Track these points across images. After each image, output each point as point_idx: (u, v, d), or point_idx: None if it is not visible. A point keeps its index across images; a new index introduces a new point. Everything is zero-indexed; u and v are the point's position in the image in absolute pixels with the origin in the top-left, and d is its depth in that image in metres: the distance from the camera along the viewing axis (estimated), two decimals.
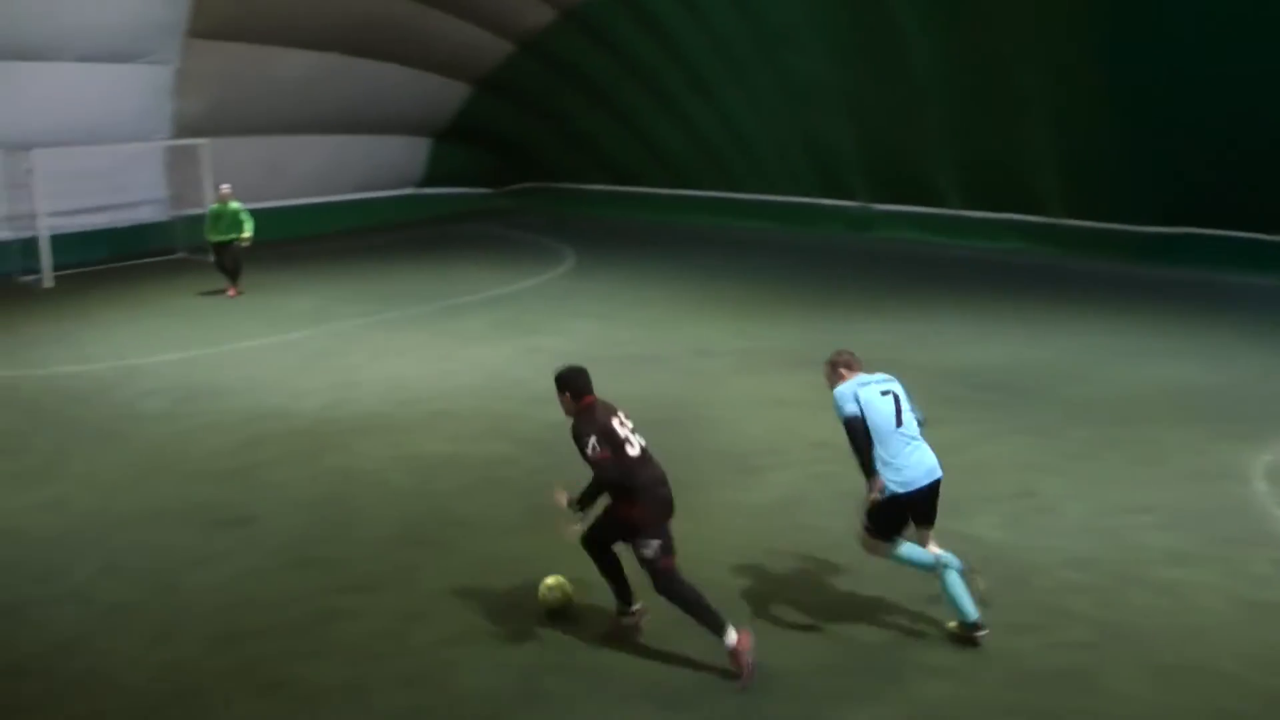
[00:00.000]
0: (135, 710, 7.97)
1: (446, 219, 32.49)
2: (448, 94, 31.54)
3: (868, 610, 9.05)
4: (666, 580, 8.26)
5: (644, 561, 8.32)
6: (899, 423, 8.61)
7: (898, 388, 8.80)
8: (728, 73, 28.08)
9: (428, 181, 33.74)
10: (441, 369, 16.74)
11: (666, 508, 8.41)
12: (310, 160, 30.02)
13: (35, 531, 11.14)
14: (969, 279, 22.73)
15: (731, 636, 8.03)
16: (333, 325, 19.64)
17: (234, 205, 22.37)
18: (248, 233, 22.20)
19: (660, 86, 29.70)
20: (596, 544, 8.69)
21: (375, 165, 31.83)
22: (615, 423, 8.53)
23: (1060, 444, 12.97)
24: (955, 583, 8.44)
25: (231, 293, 22.29)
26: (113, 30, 24.39)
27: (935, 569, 8.51)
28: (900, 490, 8.46)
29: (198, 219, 26.03)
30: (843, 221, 28.57)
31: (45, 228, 23.75)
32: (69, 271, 24.27)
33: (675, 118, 30.31)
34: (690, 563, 9.82)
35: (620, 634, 8.72)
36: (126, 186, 26.15)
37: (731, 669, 8.04)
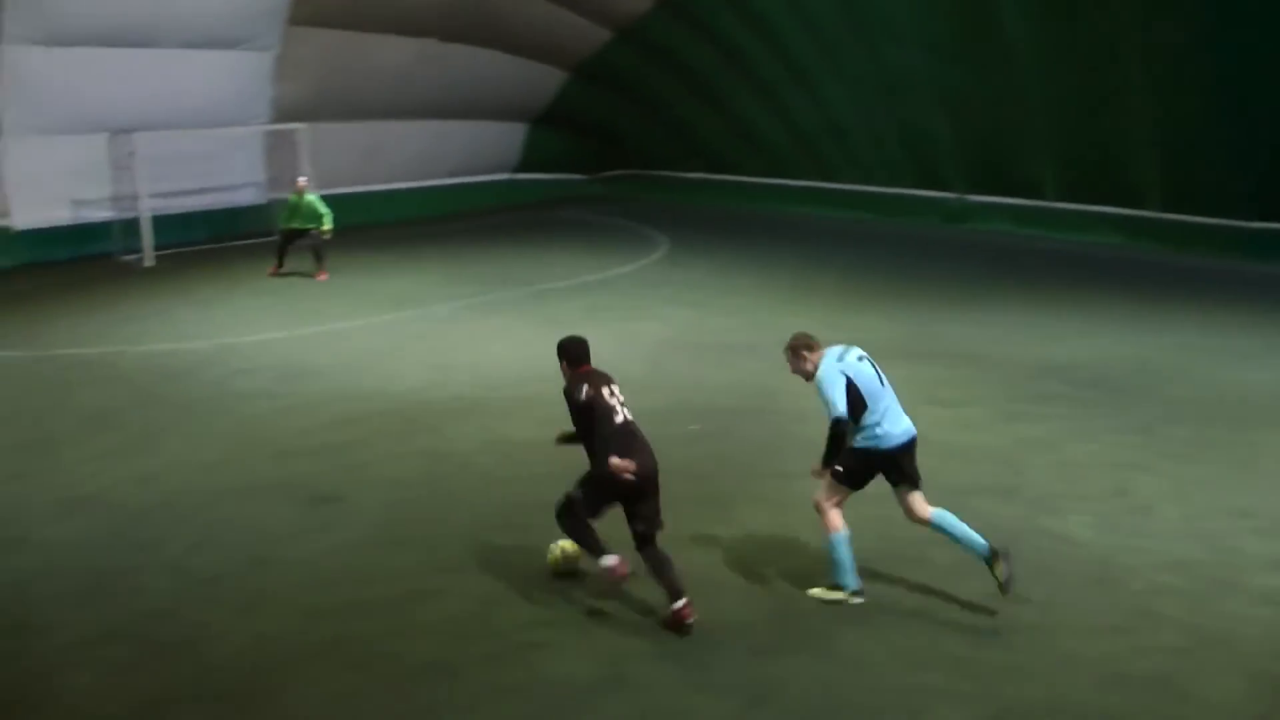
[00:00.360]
0: (224, 680, 8.06)
1: (541, 205, 32.59)
2: (545, 80, 31.62)
3: (947, 608, 8.91)
4: (569, 507, 8.88)
5: (570, 494, 8.88)
6: (882, 383, 9.01)
7: (863, 353, 9.25)
8: (825, 61, 27.87)
9: (523, 167, 33.86)
10: (533, 354, 16.71)
11: (640, 473, 8.66)
12: (407, 145, 30.23)
13: (131, 503, 11.32)
14: (1064, 273, 22.38)
15: (608, 561, 8.60)
16: (426, 308, 19.76)
17: (310, 197, 22.70)
18: (328, 225, 22.51)
19: (758, 75, 29.54)
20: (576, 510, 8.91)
21: (471, 151, 31.99)
22: (605, 391, 8.91)
23: (1156, 444, 12.68)
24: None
25: (272, 272, 22.78)
26: (216, 18, 24.76)
27: (982, 551, 8.75)
28: (882, 446, 8.81)
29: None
30: (938, 213, 28.27)
31: (146, 209, 24.14)
32: (168, 251, 24.66)
33: (772, 106, 30.14)
34: (773, 552, 9.83)
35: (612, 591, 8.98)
36: (226, 170, 26.48)
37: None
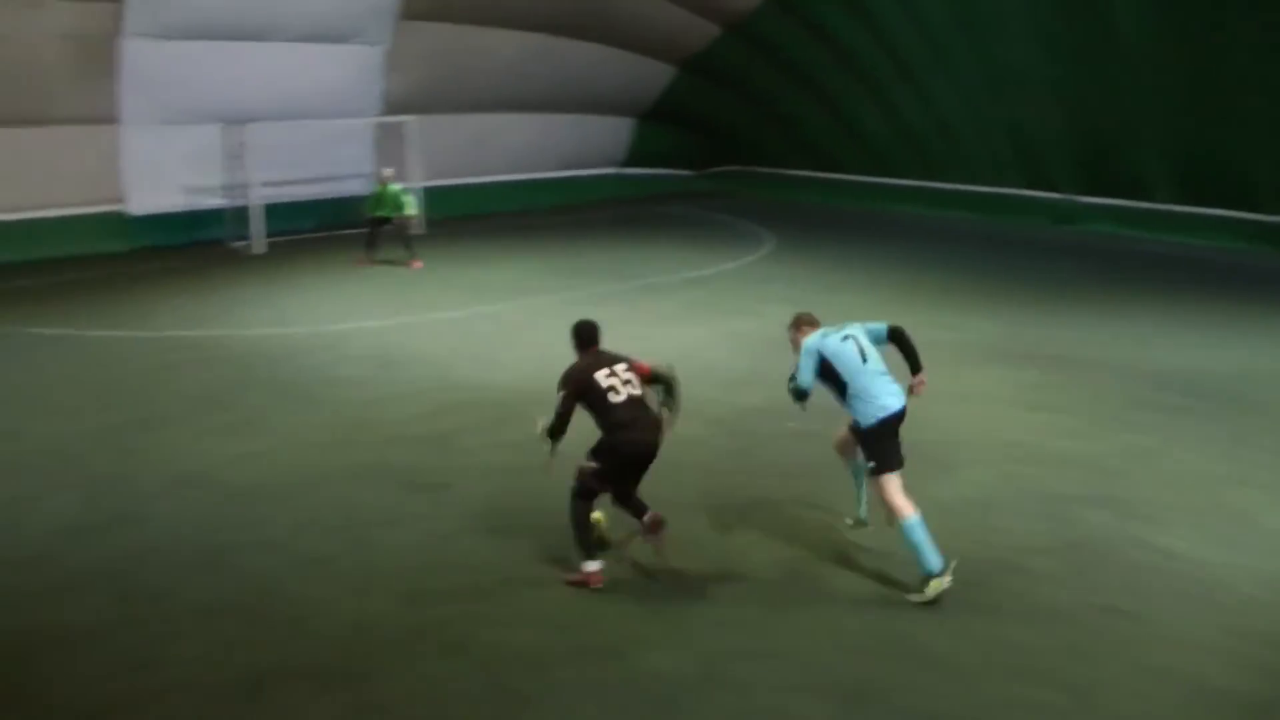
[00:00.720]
0: (323, 658, 8.18)
1: (647, 199, 32.64)
2: (653, 75, 31.65)
3: (1048, 617, 8.78)
4: (578, 489, 9.33)
5: (579, 469, 9.31)
6: (864, 360, 9.44)
7: (856, 332, 9.68)
8: (933, 58, 27.60)
9: (630, 162, 33.94)
10: (635, 348, 16.52)
11: (628, 449, 9.31)
12: (514, 138, 30.46)
13: (238, 482, 11.52)
14: (1175, 278, 21.94)
15: (590, 567, 9.09)
16: (530, 300, 19.87)
17: (394, 188, 23.19)
18: (411, 211, 23.22)
19: (866, 71, 29.35)
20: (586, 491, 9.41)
21: (578, 144, 32.14)
22: (603, 372, 9.48)
23: (1260, 456, 12.35)
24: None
25: (361, 263, 23.10)
26: (329, 12, 25.14)
27: (933, 571, 8.99)
28: (882, 414, 9.29)
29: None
30: (1045, 213, 27.88)
31: (257, 197, 24.53)
32: (278, 239, 25.04)
33: (879, 103, 29.93)
34: (875, 555, 9.76)
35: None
36: (335, 160, 26.83)
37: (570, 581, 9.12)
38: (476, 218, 28.35)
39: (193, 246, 24.89)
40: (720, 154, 35.35)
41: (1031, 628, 8.59)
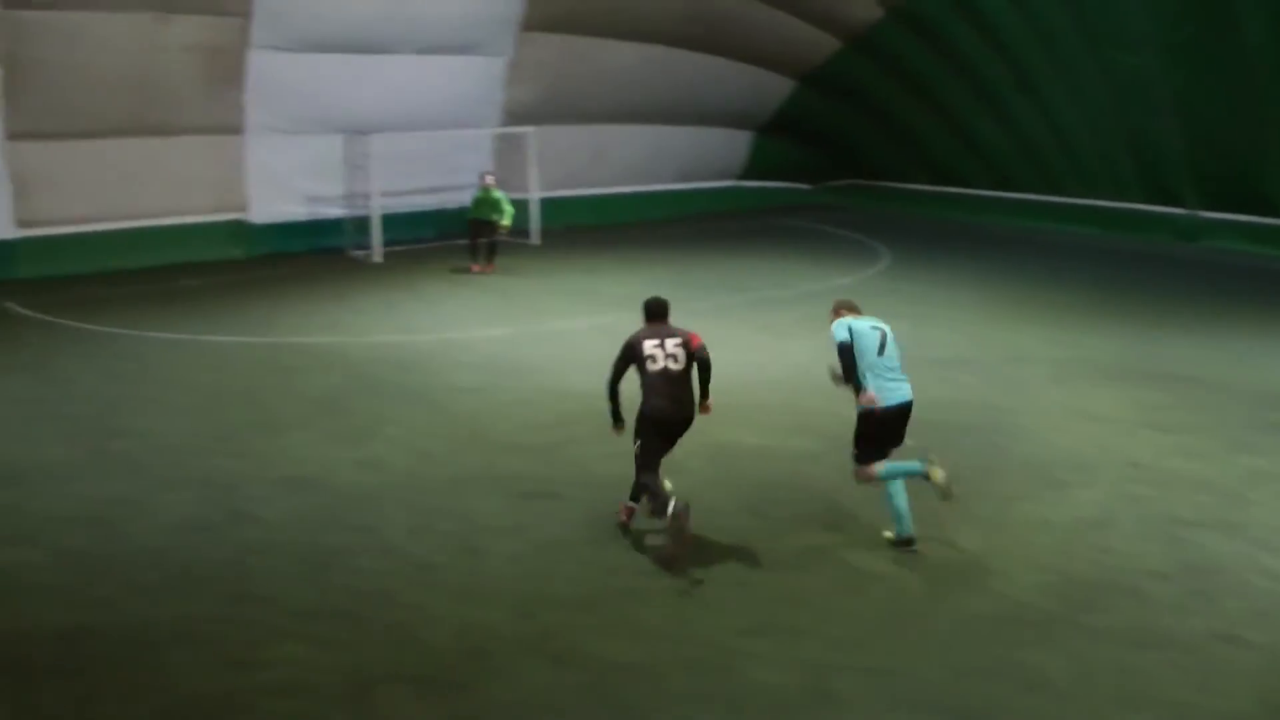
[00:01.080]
0: (429, 665, 8.17)
1: (764, 212, 32.44)
2: (772, 88, 31.49)
3: (1165, 643, 8.49)
4: (639, 468, 10.31)
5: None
6: (880, 352, 10.29)
7: (886, 329, 10.53)
8: (1053, 70, 27.05)
9: (747, 174, 33.79)
10: (750, 361, 16.66)
11: (650, 414, 10.30)
12: (632, 149, 30.44)
13: (352, 487, 11.59)
14: None
15: (672, 506, 9.61)
16: None
17: (496, 193, 23.55)
18: (506, 221, 23.45)
19: (985, 83, 28.89)
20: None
21: (696, 156, 32.06)
22: (650, 343, 10.37)
23: None
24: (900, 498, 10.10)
25: (476, 269, 23.39)
26: (452, 25, 25.37)
27: (918, 471, 10.00)
28: (877, 406, 10.12)
29: (520, 204, 26.88)
30: (1168, 229, 27.19)
31: (378, 207, 24.78)
32: (397, 248, 25.27)
33: (998, 116, 29.44)
34: (985, 574, 9.56)
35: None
36: (456, 170, 27.00)
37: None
38: (593, 228, 28.38)
39: (312, 255, 25.20)
40: (838, 167, 35.06)
41: (1147, 654, 8.33)
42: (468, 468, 12.20)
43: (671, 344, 10.36)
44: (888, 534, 10.21)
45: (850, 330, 10.40)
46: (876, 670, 8.06)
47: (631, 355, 10.44)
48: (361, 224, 25.17)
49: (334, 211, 25.70)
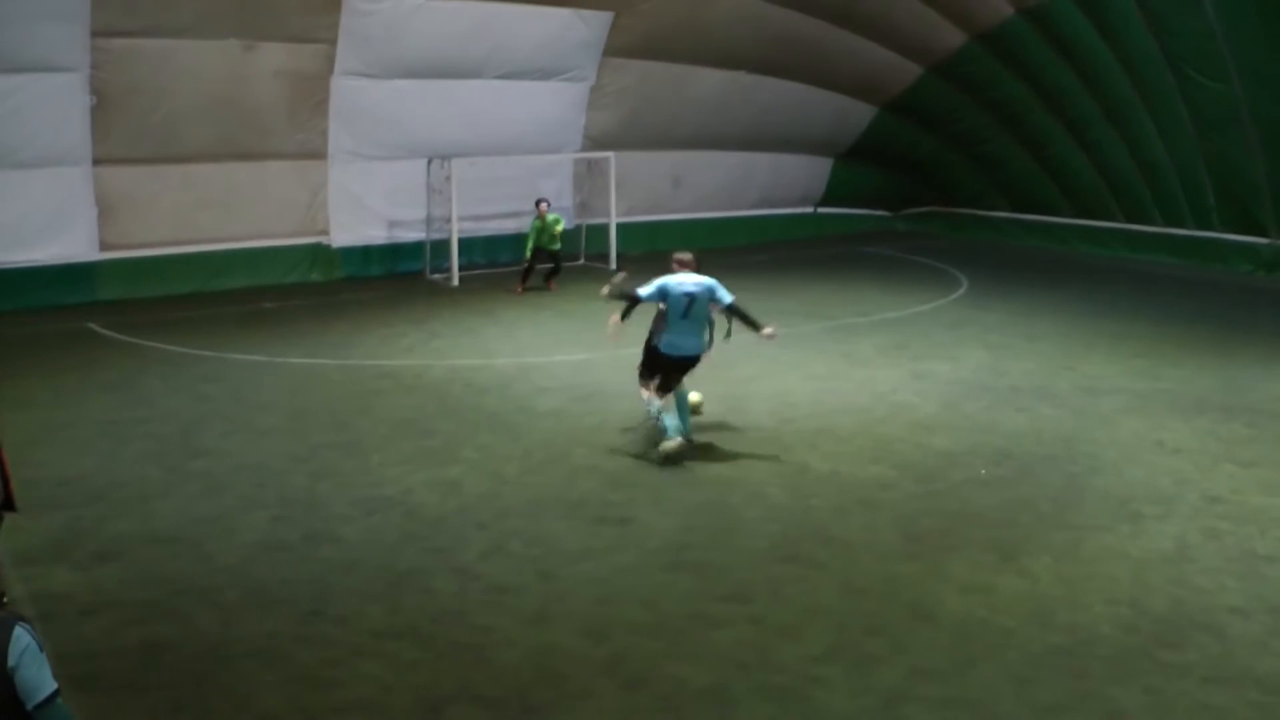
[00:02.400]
0: (504, 686, 8.17)
1: (844, 239, 32.36)
2: (853, 114, 31.42)
3: (1244, 682, 8.30)
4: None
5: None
6: (685, 315, 13.14)
7: (698, 292, 13.15)
8: (1137, 97, 26.75)
9: (827, 201, 33.69)
10: (827, 387, 16.59)
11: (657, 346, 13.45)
12: (713, 175, 30.50)
13: (430, 508, 11.65)
14: None
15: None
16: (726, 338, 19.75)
17: (552, 217, 24.13)
18: (559, 243, 24.25)
19: (1068, 110, 28.65)
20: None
21: (776, 182, 32.05)
22: (674, 280, 13.18)
23: None
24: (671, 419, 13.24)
25: (520, 290, 24.04)
26: (534, 50, 25.59)
27: (668, 428, 13.13)
28: (665, 350, 13.25)
29: (600, 228, 26.99)
30: (1250, 259, 26.79)
31: (456, 231, 24.97)
32: (476, 272, 25.44)
33: (1081, 143, 29.18)
34: (1060, 607, 9.44)
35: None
36: (535, 195, 27.18)
37: None
38: (671, 255, 28.36)
39: (392, 278, 25.44)
40: (918, 194, 34.89)
41: (1225, 691, 8.15)
42: (543, 491, 12.22)
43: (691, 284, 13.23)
44: (666, 446, 13.00)
45: (664, 291, 13.11)
46: (950, 701, 7.96)
47: (661, 294, 13.16)
48: (441, 248, 25.35)
49: (413, 235, 25.92)
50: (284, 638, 8.86)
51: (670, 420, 13.16)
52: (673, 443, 12.99)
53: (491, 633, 8.96)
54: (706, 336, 13.48)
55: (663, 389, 13.31)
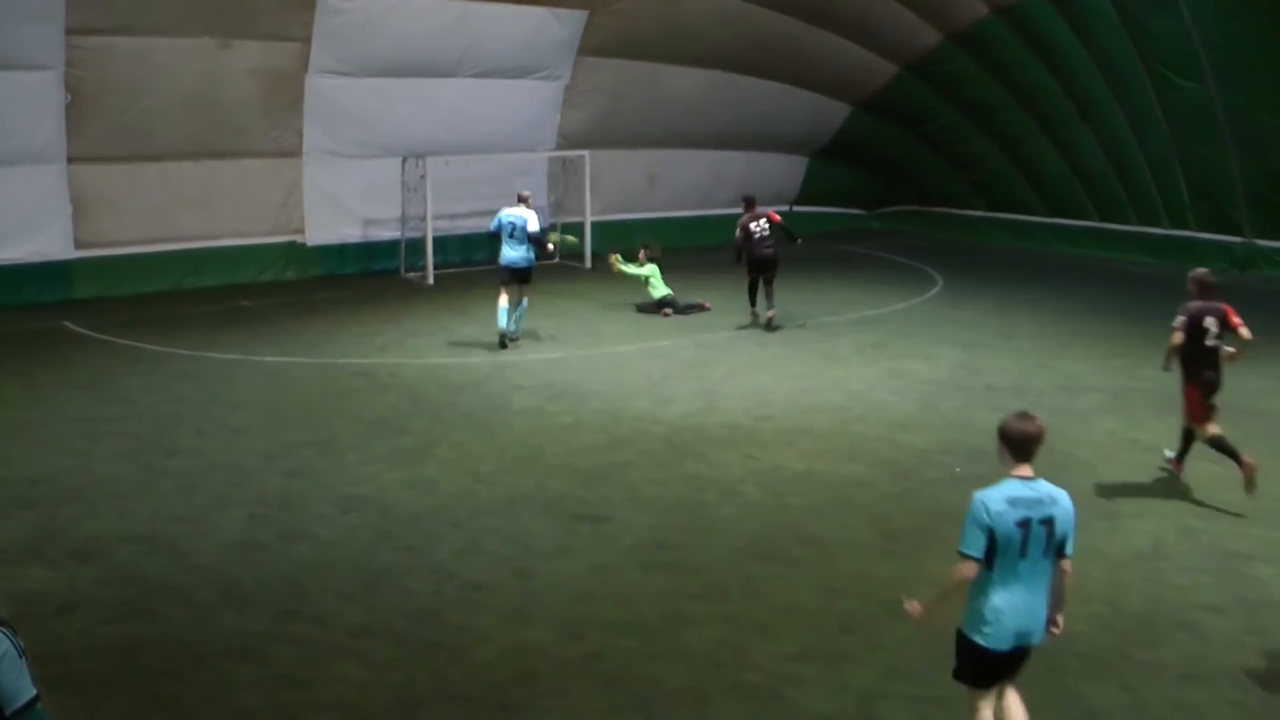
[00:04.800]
0: (480, 685, 8.19)
1: (819, 238, 32.34)
2: (828, 113, 31.47)
3: (1222, 680, 8.37)
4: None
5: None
6: (511, 235, 18.37)
7: (519, 220, 18.42)
8: (1112, 97, 26.86)
9: (803, 200, 33.72)
10: (803, 386, 16.63)
11: (755, 256, 20.37)
12: (688, 174, 30.53)
13: (404, 507, 11.65)
14: None
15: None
16: (699, 336, 19.83)
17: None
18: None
19: (1043, 110, 28.74)
20: None
21: (752, 181, 31.77)
22: (755, 224, 20.32)
23: None
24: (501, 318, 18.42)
25: None
26: (509, 49, 25.58)
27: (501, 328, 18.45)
28: (502, 261, 18.57)
29: (575, 227, 26.99)
30: (1224, 257, 26.90)
31: (431, 230, 24.94)
32: (450, 270, 25.42)
33: (1056, 143, 29.27)
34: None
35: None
36: (509, 194, 27.16)
37: None
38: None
39: (367, 276, 25.39)
40: (894, 193, 34.96)
41: (1201, 688, 8.23)
42: (518, 489, 12.22)
43: (763, 222, 20.45)
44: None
45: (498, 219, 18.72)
46: (926, 699, 7.99)
47: (744, 230, 20.29)
48: (416, 246, 25.31)
49: (388, 234, 25.88)
50: (260, 636, 8.85)
51: (502, 319, 18.70)
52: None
53: (467, 631, 8.97)
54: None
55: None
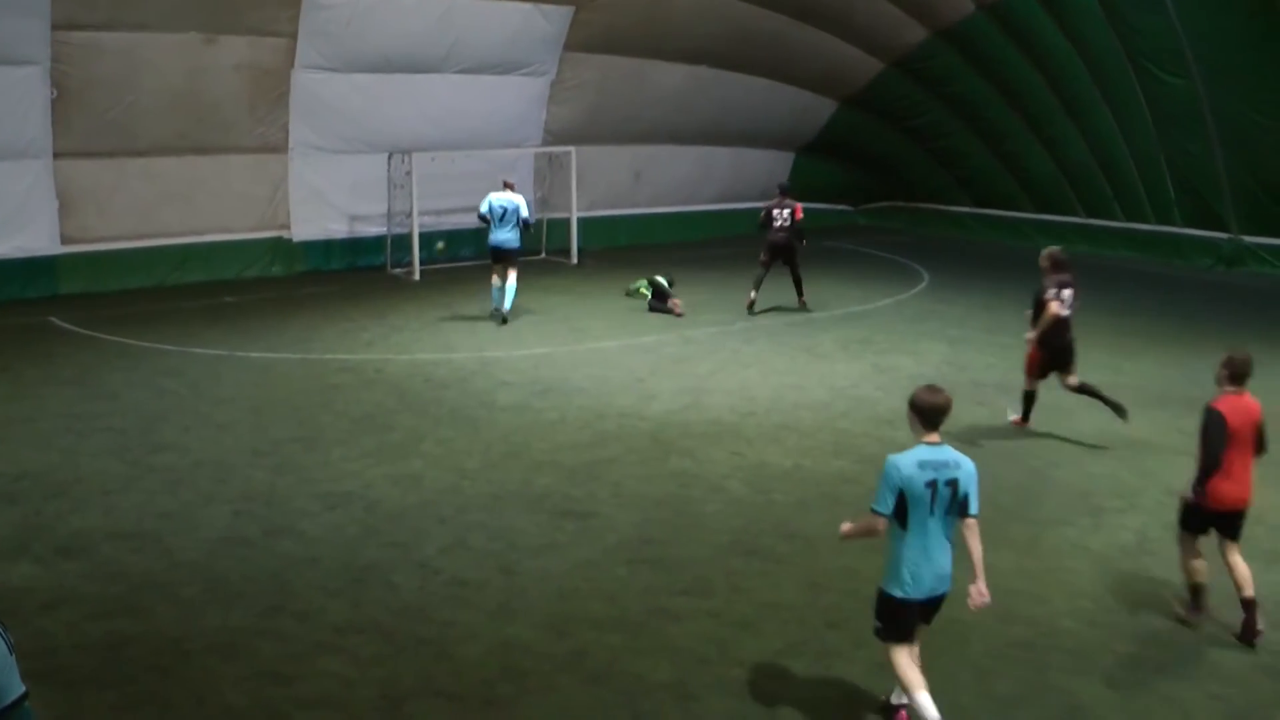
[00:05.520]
0: (466, 681, 8.20)
1: (804, 233, 32.38)
2: (815, 109, 31.52)
3: (1213, 677, 8.42)
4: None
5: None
6: (500, 220, 19.84)
7: (509, 205, 20.05)
8: (1098, 93, 26.96)
9: (789, 196, 33.70)
10: (788, 382, 16.66)
11: (772, 241, 21.28)
12: (674, 170, 30.54)
13: (390, 503, 11.66)
14: None
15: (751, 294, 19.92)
16: (685, 332, 19.84)
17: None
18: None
19: (1028, 106, 28.83)
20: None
21: (738, 177, 32.10)
22: (777, 210, 21.18)
23: None
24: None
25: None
26: (495, 45, 25.54)
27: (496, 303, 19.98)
28: (490, 243, 19.94)
29: (561, 223, 27.01)
30: (1210, 254, 27.04)
31: (418, 225, 24.92)
32: (437, 266, 25.40)
33: (1041, 139, 29.35)
34: (1022, 600, 9.51)
35: None
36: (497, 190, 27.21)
37: None
38: (632, 248, 28.45)
39: (353, 272, 25.36)
40: (880, 189, 35.01)
41: (1188, 684, 8.28)
42: (504, 486, 12.24)
43: (785, 212, 21.19)
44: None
45: (488, 204, 20.10)
46: None
47: (767, 215, 21.24)
48: (402, 242, 25.29)
49: (374, 230, 25.86)
50: (245, 633, 8.86)
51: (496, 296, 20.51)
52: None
53: (453, 627, 8.98)
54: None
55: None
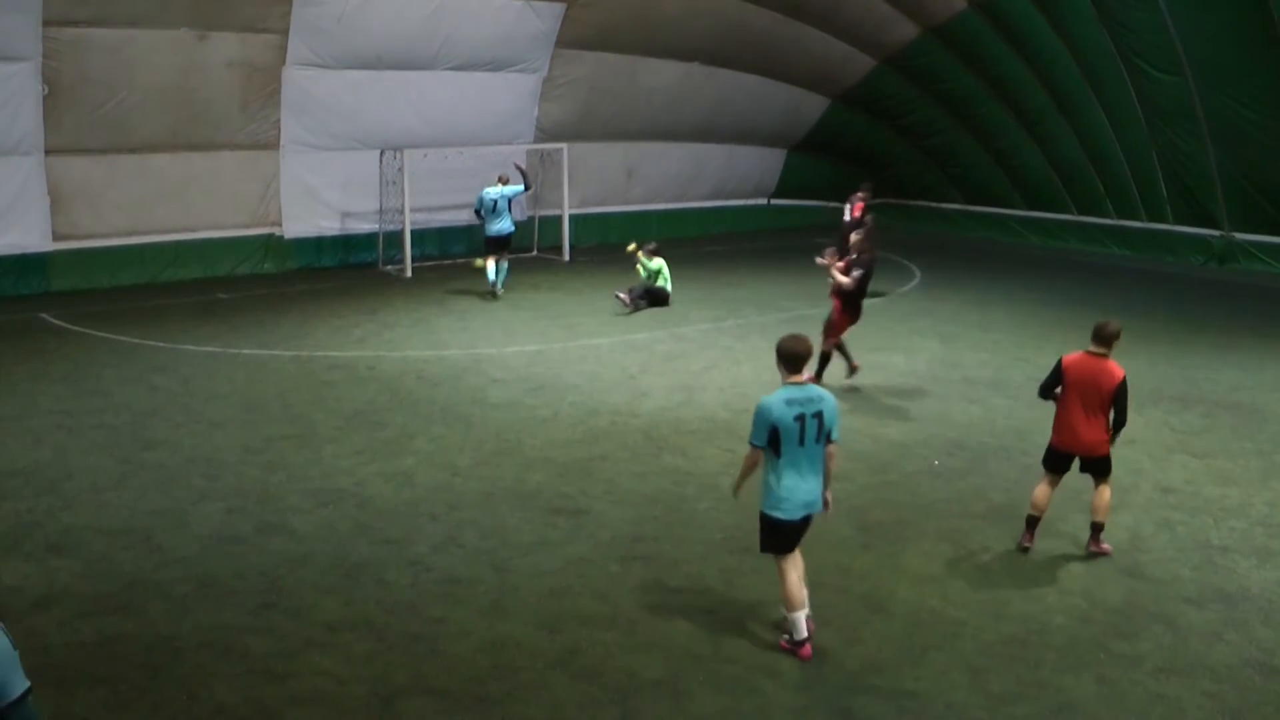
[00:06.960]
0: (458, 678, 8.20)
1: (797, 231, 32.44)
2: (806, 106, 31.57)
3: (1199, 672, 8.43)
4: None
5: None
6: (494, 210, 21.21)
7: (499, 195, 21.53)
8: (1089, 90, 27.04)
9: (780, 192, 33.82)
10: (778, 380, 16.60)
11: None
12: (666, 167, 30.61)
13: (381, 500, 11.66)
14: None
15: None
16: (677, 329, 19.85)
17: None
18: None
19: (1019, 103, 28.93)
20: None
21: (730, 174, 32.15)
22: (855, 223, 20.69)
23: None
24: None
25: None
26: (487, 41, 25.56)
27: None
28: (488, 232, 21.62)
29: (553, 220, 27.01)
30: (1202, 251, 27.10)
31: (410, 222, 24.92)
32: (428, 263, 25.39)
33: (1033, 136, 29.46)
34: (1013, 597, 9.54)
35: None
36: (488, 187, 27.20)
37: None
38: (624, 246, 28.44)
39: (345, 269, 25.35)
40: (872, 186, 35.01)
41: (1178, 681, 8.29)
42: (496, 483, 12.23)
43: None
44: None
45: (481, 198, 21.69)
46: (902, 693, 8.04)
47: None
48: (393, 239, 25.30)
49: (366, 227, 25.85)
50: (237, 630, 8.85)
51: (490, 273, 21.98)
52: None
53: (445, 625, 8.98)
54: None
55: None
